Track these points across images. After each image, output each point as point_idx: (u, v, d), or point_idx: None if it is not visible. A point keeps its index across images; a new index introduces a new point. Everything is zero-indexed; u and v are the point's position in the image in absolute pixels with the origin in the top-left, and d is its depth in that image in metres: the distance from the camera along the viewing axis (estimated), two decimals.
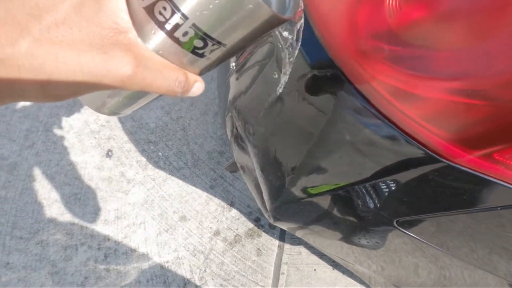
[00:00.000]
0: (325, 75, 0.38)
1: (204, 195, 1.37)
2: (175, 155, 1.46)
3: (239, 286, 1.20)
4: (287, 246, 1.29)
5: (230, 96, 0.65)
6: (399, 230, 0.44)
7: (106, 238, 1.25)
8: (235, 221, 1.32)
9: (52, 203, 1.32)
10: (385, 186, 0.40)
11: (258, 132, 0.55)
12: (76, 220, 1.28)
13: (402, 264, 0.55)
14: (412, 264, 0.54)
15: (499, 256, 0.40)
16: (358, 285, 1.23)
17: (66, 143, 1.47)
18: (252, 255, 1.26)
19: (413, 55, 0.30)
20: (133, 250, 1.24)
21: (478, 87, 0.27)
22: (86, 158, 1.43)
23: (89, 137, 1.50)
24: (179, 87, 0.20)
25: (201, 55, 0.20)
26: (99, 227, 1.27)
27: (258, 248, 1.28)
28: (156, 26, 0.18)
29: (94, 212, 1.30)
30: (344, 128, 0.39)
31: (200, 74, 0.22)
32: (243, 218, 1.33)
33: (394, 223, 0.43)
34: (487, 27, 0.26)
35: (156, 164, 1.43)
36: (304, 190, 0.51)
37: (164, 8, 0.17)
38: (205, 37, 0.18)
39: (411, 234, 0.44)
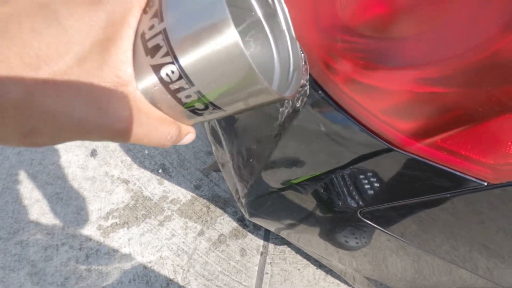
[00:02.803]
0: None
1: (189, 195, 1.37)
2: (161, 154, 1.46)
3: (223, 286, 1.19)
4: (271, 246, 1.29)
5: None
6: (364, 221, 0.45)
7: (88, 238, 1.23)
8: (220, 221, 1.32)
9: (33, 202, 1.30)
10: (346, 177, 0.40)
11: (231, 127, 0.56)
12: (58, 220, 1.26)
13: (386, 262, 0.56)
14: (395, 262, 0.55)
15: (479, 253, 0.41)
16: (342, 285, 1.23)
17: None
18: (236, 255, 1.25)
19: (363, 47, 0.31)
20: (115, 250, 1.22)
21: (425, 75, 0.28)
22: (69, 157, 1.42)
23: None
24: (170, 141, 0.20)
25: (199, 114, 0.20)
26: (81, 227, 1.25)
27: (242, 248, 1.27)
28: (160, 84, 0.18)
29: (76, 212, 1.29)
30: (306, 120, 0.40)
31: (193, 124, 0.22)
32: (228, 218, 1.33)
33: (358, 214, 0.44)
34: (430, 17, 0.27)
35: (141, 164, 1.43)
36: (274, 184, 0.52)
37: (172, 72, 0.17)
38: (207, 103, 0.18)
39: (376, 226, 0.45)
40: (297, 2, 0.37)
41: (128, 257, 1.21)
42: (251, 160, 0.54)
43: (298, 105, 0.35)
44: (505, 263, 0.38)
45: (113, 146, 1.47)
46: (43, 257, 1.19)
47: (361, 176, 0.39)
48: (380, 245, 0.51)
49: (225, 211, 1.34)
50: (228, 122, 0.60)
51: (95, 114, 0.17)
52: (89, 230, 1.25)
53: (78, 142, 1.46)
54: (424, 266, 0.49)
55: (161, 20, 0.16)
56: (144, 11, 0.17)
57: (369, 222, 0.44)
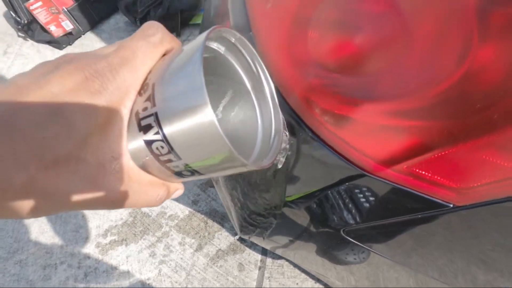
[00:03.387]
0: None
1: (187, 210, 1.38)
2: None
3: None
4: (269, 260, 1.29)
5: None
6: (348, 239, 0.46)
7: (87, 256, 1.24)
8: (217, 236, 1.33)
9: (33, 221, 1.31)
10: (328, 198, 0.42)
11: None
12: (57, 239, 1.27)
13: (384, 278, 0.57)
14: (393, 278, 0.55)
15: (477, 267, 0.42)
16: None
17: None
18: (234, 270, 1.26)
19: (334, 81, 0.33)
20: (114, 268, 1.23)
21: (389, 108, 0.31)
22: None
23: None
24: (159, 201, 0.22)
25: (186, 177, 0.22)
26: (80, 245, 1.26)
27: (240, 263, 1.28)
28: (151, 155, 0.20)
29: (75, 230, 1.30)
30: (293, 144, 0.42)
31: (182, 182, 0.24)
32: (225, 233, 1.33)
33: (342, 233, 0.46)
34: (391, 56, 0.30)
35: None
36: (263, 204, 0.53)
37: (162, 147, 0.19)
38: (192, 171, 0.21)
39: (360, 244, 0.47)
40: (274, 36, 0.40)
41: (126, 274, 1.21)
42: (241, 182, 0.56)
43: (279, 165, 0.38)
44: (477, 279, 0.39)
45: None
46: (41, 276, 1.19)
47: (341, 198, 0.41)
48: (378, 260, 0.52)
49: (222, 226, 1.35)
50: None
51: (91, 190, 0.18)
52: (88, 248, 1.26)
53: None
54: (421, 281, 0.50)
55: (154, 105, 0.19)
56: (139, 93, 0.20)
57: (352, 240, 0.46)
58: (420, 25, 0.28)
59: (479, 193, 0.30)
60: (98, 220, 1.32)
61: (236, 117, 0.26)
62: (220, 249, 1.30)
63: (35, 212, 0.18)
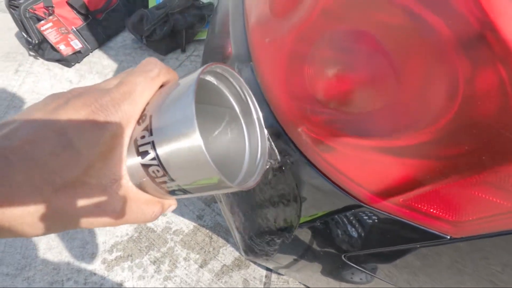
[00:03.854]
0: (274, 135, 0.43)
1: (191, 225, 1.38)
2: None
3: None
4: (274, 276, 1.28)
5: None
6: (349, 264, 0.47)
7: (93, 273, 1.25)
8: (222, 251, 1.33)
9: (41, 238, 1.33)
10: (329, 226, 0.43)
11: None
12: (64, 255, 1.29)
13: None
14: None
15: None
16: None
17: None
18: (239, 286, 1.25)
19: (329, 117, 0.34)
20: (119, 284, 1.23)
21: (384, 144, 0.32)
22: None
23: None
24: (154, 218, 0.25)
25: (179, 195, 0.25)
26: (86, 261, 1.28)
27: (245, 279, 1.27)
28: (148, 177, 0.23)
29: (81, 246, 1.31)
30: (283, 176, 0.43)
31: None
32: (230, 248, 1.33)
33: (343, 257, 0.46)
34: (384, 94, 0.31)
35: None
36: (265, 227, 0.54)
37: (158, 171, 0.22)
38: (185, 191, 0.23)
39: (361, 269, 0.47)
40: (273, 69, 0.42)
41: None
42: (243, 204, 0.57)
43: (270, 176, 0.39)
44: None
45: None
46: None
47: (341, 225, 0.41)
48: (385, 283, 0.52)
49: (227, 241, 1.35)
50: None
51: (95, 210, 0.21)
52: (94, 264, 1.27)
53: None
54: None
55: (151, 134, 0.22)
56: (138, 123, 0.23)
57: (354, 265, 0.46)
58: (407, 65, 0.29)
59: (475, 227, 0.30)
60: (104, 236, 1.34)
61: (226, 140, 0.29)
62: (225, 265, 1.30)
63: (46, 230, 0.20)
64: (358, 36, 0.32)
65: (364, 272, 0.47)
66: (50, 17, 1.77)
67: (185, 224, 1.38)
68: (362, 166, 0.34)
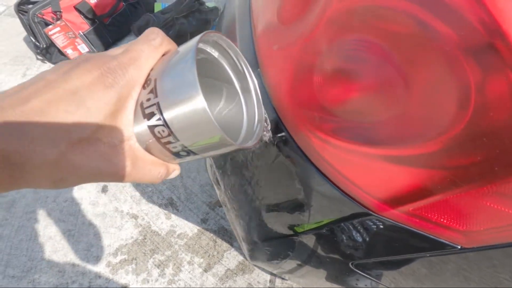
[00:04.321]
0: (282, 142, 0.43)
1: (196, 229, 1.38)
2: (168, 189, 1.50)
3: None
4: (278, 280, 1.27)
5: None
6: (356, 272, 0.46)
7: (97, 276, 1.25)
8: (226, 255, 1.32)
9: (46, 240, 1.34)
10: (336, 233, 0.43)
11: (228, 176, 0.59)
12: (69, 257, 1.30)
13: None
14: None
15: None
16: None
17: None
18: None
19: (338, 125, 0.34)
20: (123, 287, 1.24)
21: (394, 153, 0.32)
22: (82, 194, 1.47)
23: None
24: (160, 178, 0.26)
25: (183, 158, 0.26)
26: (91, 264, 1.28)
27: (249, 283, 1.26)
28: (154, 138, 0.24)
29: (86, 249, 1.32)
30: (292, 180, 0.43)
31: (179, 163, 0.29)
32: (234, 252, 1.33)
33: (350, 265, 0.46)
34: (391, 102, 0.31)
35: (150, 199, 1.47)
36: (271, 232, 0.54)
37: (163, 131, 0.23)
38: (189, 151, 0.25)
39: (369, 277, 0.46)
40: (281, 77, 0.42)
41: None
42: (250, 209, 0.57)
43: (264, 140, 0.43)
44: None
45: None
46: None
47: (348, 233, 0.41)
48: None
49: (231, 245, 1.35)
50: (227, 170, 0.64)
51: (106, 164, 0.23)
52: (98, 267, 1.27)
53: None
54: None
55: (156, 96, 0.23)
56: (143, 87, 0.24)
57: (361, 273, 0.46)
58: (416, 74, 0.29)
59: (486, 236, 0.30)
60: (109, 239, 1.34)
61: (225, 110, 0.31)
62: (229, 269, 1.29)
63: (61, 183, 0.22)
64: (366, 45, 0.32)
65: (370, 279, 0.47)
66: (58, 22, 1.79)
67: (190, 228, 1.38)
68: (371, 174, 0.34)
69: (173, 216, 1.42)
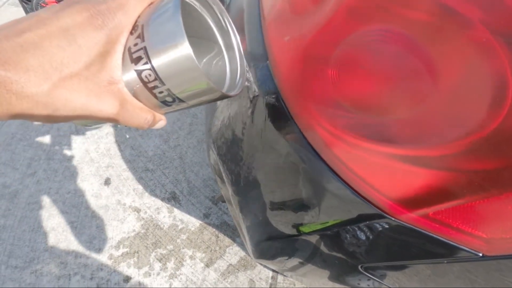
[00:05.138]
0: (292, 139, 0.41)
1: (198, 223, 1.38)
2: (171, 183, 1.49)
3: None
4: (280, 277, 1.26)
5: (212, 131, 0.69)
6: (365, 274, 0.45)
7: (99, 268, 1.25)
8: (228, 250, 1.32)
9: (49, 231, 1.34)
10: (345, 235, 0.41)
11: (234, 170, 0.58)
12: (71, 249, 1.30)
13: None
14: None
15: None
16: None
17: (66, 172, 1.52)
18: (245, 286, 1.24)
19: (354, 121, 0.32)
20: (125, 280, 1.23)
21: (415, 153, 0.30)
22: (85, 186, 1.47)
23: (89, 166, 1.54)
24: (147, 124, 0.28)
25: (168, 105, 0.27)
26: (93, 256, 1.28)
27: (251, 279, 1.26)
28: (141, 83, 0.25)
29: (89, 241, 1.32)
30: (305, 179, 0.41)
31: (165, 114, 0.30)
32: (236, 248, 1.32)
33: (360, 268, 0.44)
34: (415, 98, 0.29)
35: (153, 192, 1.46)
36: (277, 231, 0.52)
37: (150, 75, 0.24)
38: (174, 97, 0.25)
39: (378, 280, 0.45)
40: (292, 70, 0.39)
41: (137, 287, 1.22)
42: (255, 206, 0.55)
43: (251, 95, 0.42)
44: None
45: (126, 174, 1.51)
46: (56, 286, 1.21)
47: (360, 234, 0.39)
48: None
49: (234, 240, 1.34)
50: (232, 164, 0.62)
51: (96, 102, 0.24)
52: (101, 260, 1.27)
53: (93, 171, 1.52)
54: None
55: (143, 40, 0.24)
56: (131, 33, 0.25)
57: (371, 276, 0.44)
58: (444, 66, 0.27)
59: (510, 245, 0.28)
60: (111, 232, 1.34)
61: (209, 64, 0.31)
62: (231, 264, 1.29)
63: (54, 116, 0.23)
64: (388, 35, 0.29)
65: (374, 279, 0.45)
66: None
67: (192, 222, 1.38)
68: (387, 174, 0.32)
69: (175, 210, 1.41)
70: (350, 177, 0.36)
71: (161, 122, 0.29)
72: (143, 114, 0.27)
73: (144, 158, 1.57)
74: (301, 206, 0.46)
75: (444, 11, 0.26)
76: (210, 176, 1.50)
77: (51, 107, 0.22)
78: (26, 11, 1.79)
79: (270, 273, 1.28)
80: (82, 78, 0.23)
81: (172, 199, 1.44)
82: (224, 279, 1.25)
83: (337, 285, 0.63)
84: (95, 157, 1.57)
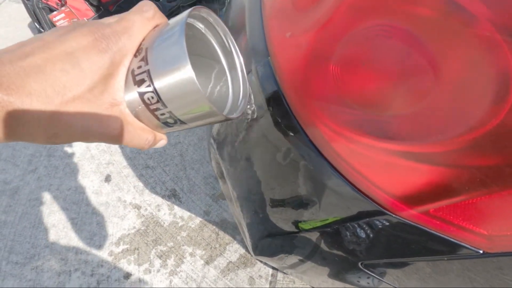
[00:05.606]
0: (292, 135, 0.41)
1: (198, 220, 1.38)
2: (172, 180, 1.49)
3: None
4: (280, 275, 1.27)
5: (212, 129, 0.69)
6: (365, 271, 0.45)
7: (100, 264, 1.26)
8: (228, 248, 1.32)
9: (50, 227, 1.34)
10: (345, 232, 0.41)
11: (234, 169, 0.58)
12: (72, 246, 1.30)
13: None
14: None
15: None
16: None
17: (67, 168, 1.52)
18: (244, 284, 1.24)
19: (356, 117, 0.32)
20: (125, 277, 1.24)
21: (416, 150, 0.29)
22: (85, 183, 1.47)
23: (89, 162, 1.54)
24: (147, 145, 0.28)
25: (170, 126, 0.27)
26: (94, 252, 1.28)
27: (251, 277, 1.26)
28: (143, 105, 0.25)
29: (89, 238, 1.32)
30: (304, 176, 0.41)
31: (166, 133, 0.30)
32: (236, 245, 1.32)
33: (359, 265, 0.44)
34: (417, 94, 0.29)
35: (153, 190, 1.46)
36: (277, 228, 0.52)
37: (152, 98, 0.24)
38: (176, 119, 0.25)
39: (378, 277, 0.45)
40: (294, 66, 0.39)
41: (137, 284, 1.22)
42: (255, 203, 0.55)
43: (250, 117, 0.43)
44: None
45: (127, 171, 1.51)
46: (56, 282, 1.21)
47: (360, 231, 0.39)
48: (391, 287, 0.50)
49: (234, 237, 1.34)
50: (232, 161, 0.62)
51: (98, 124, 0.24)
52: (101, 256, 1.27)
53: (94, 168, 1.52)
54: None
55: (146, 63, 0.24)
56: (135, 55, 0.25)
57: (370, 273, 0.44)
58: (446, 62, 0.27)
59: (510, 242, 0.28)
60: (112, 228, 1.34)
61: (212, 85, 0.32)
62: (231, 262, 1.29)
63: (54, 138, 0.23)
64: (391, 31, 0.29)
65: (374, 277, 0.45)
66: (63, 8, 1.77)
67: (192, 220, 1.38)
68: (388, 171, 0.32)
69: (175, 207, 1.41)
70: (350, 173, 0.36)
71: (162, 141, 0.29)
72: (144, 135, 0.27)
73: (145, 155, 1.57)
74: (301, 203, 0.46)
75: (449, 7, 0.26)
76: (210, 174, 1.51)
77: (52, 131, 0.22)
78: (27, 8, 1.79)
79: (270, 271, 1.28)
80: (85, 100, 0.23)
81: (173, 196, 1.44)
82: (224, 276, 1.25)
83: (337, 283, 0.63)
84: (95, 154, 1.57)
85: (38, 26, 1.84)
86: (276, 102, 0.43)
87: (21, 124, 0.21)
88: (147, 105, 0.25)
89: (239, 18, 0.64)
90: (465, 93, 0.26)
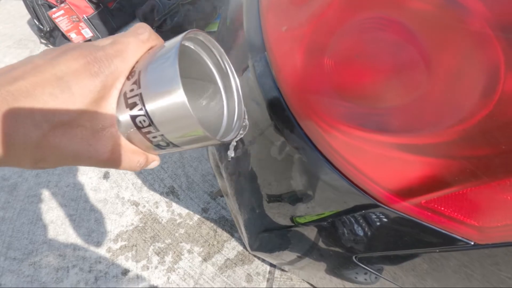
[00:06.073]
0: (287, 129, 0.41)
1: (196, 217, 1.38)
2: (170, 177, 1.49)
3: None
4: (278, 272, 1.27)
5: None
6: (360, 265, 0.45)
7: (98, 261, 1.26)
8: (226, 245, 1.32)
9: (48, 224, 1.34)
10: (340, 225, 0.41)
11: (231, 164, 0.58)
12: (70, 242, 1.30)
13: None
14: None
15: None
16: None
17: None
18: (242, 281, 1.25)
19: (349, 110, 0.32)
20: (123, 273, 1.24)
21: (409, 141, 0.30)
22: (84, 180, 1.47)
23: None
24: (139, 167, 0.27)
25: (162, 148, 0.27)
26: (92, 249, 1.29)
27: (248, 274, 1.26)
28: (135, 128, 0.25)
29: (87, 234, 1.32)
30: (300, 170, 0.41)
31: (158, 154, 0.29)
32: (234, 243, 1.33)
33: (354, 259, 0.45)
34: (409, 87, 0.29)
35: (151, 187, 1.46)
36: (274, 223, 0.53)
37: (144, 121, 0.24)
38: (168, 142, 0.25)
39: (373, 271, 0.45)
40: (289, 60, 0.40)
41: (135, 280, 1.22)
42: (252, 198, 0.55)
43: (242, 133, 0.44)
44: None
45: None
46: (54, 278, 1.22)
47: (354, 225, 0.39)
48: (389, 283, 0.51)
49: (232, 235, 1.34)
50: (230, 159, 0.62)
51: (87, 148, 0.23)
52: (99, 252, 1.28)
53: None
54: None
55: (139, 87, 0.24)
56: (128, 78, 0.25)
57: (365, 267, 0.45)
58: (439, 55, 0.27)
59: (503, 233, 0.28)
60: (110, 225, 1.35)
61: (207, 106, 0.32)
62: (228, 259, 1.29)
63: (43, 163, 0.23)
64: (385, 23, 0.29)
65: (372, 272, 0.45)
66: (62, 5, 1.77)
67: (190, 217, 1.38)
68: (382, 164, 0.32)
69: (174, 204, 1.41)
70: (345, 167, 0.36)
71: (155, 162, 0.29)
72: (136, 158, 0.26)
73: None
74: (297, 197, 0.47)
75: (443, 0, 0.26)
76: (208, 171, 1.51)
77: (39, 156, 0.22)
78: (26, 4, 1.79)
79: (268, 268, 1.28)
80: (74, 125, 0.22)
81: (171, 193, 1.44)
82: (222, 273, 1.26)
83: (334, 279, 0.64)
84: None
85: (37, 23, 1.84)
86: (271, 96, 0.43)
87: (6, 150, 0.20)
88: (139, 128, 0.25)
89: (236, 13, 0.64)
90: (456, 86, 0.26)
